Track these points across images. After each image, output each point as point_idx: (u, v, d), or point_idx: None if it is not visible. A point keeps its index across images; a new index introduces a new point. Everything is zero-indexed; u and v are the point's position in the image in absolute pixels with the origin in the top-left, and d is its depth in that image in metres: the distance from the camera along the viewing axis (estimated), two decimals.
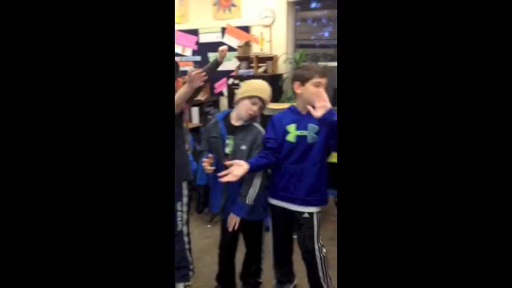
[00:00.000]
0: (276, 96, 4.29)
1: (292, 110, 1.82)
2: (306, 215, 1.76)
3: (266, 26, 4.64)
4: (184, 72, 2.38)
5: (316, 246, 1.76)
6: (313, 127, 1.71)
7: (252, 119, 1.83)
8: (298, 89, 1.73)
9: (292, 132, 1.74)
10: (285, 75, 4.41)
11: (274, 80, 4.34)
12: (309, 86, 1.68)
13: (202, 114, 4.53)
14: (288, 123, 1.76)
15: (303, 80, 1.70)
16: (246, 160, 1.68)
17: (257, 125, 1.89)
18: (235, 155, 1.79)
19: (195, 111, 4.30)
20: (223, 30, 4.85)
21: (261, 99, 1.78)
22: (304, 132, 1.72)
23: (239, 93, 1.86)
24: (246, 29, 4.73)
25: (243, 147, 1.79)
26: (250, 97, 1.79)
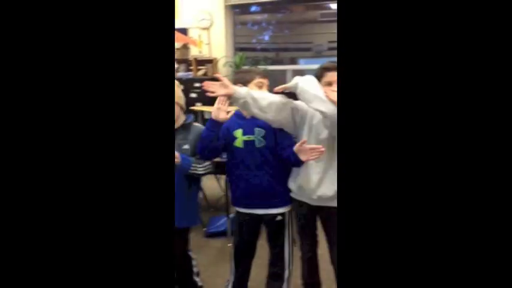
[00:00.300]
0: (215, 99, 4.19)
1: (237, 115, 1.77)
2: (279, 218, 1.73)
3: (204, 29, 4.53)
4: None
5: (287, 243, 1.73)
6: (259, 131, 1.68)
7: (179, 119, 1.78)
8: None
9: (240, 138, 1.71)
10: None
11: None
12: (252, 87, 1.65)
13: None
14: (235, 129, 1.71)
15: (245, 82, 1.68)
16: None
17: (197, 124, 1.81)
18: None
19: None
20: None
21: None
22: (251, 137, 1.69)
23: None
24: (183, 31, 4.58)
25: (186, 146, 1.73)
26: None
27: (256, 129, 1.67)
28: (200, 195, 1.84)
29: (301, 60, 4.59)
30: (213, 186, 3.24)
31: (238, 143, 1.69)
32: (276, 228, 1.76)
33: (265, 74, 1.71)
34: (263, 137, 1.67)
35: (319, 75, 1.61)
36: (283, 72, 4.40)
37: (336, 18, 0.84)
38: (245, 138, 1.69)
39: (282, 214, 1.73)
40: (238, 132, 1.70)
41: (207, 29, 4.51)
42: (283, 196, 1.74)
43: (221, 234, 2.62)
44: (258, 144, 1.68)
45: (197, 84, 4.12)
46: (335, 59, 1.09)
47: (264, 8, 4.45)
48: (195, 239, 1.92)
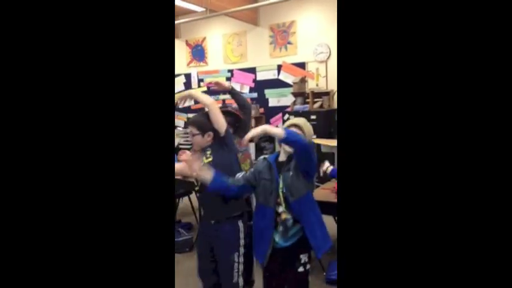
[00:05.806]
0: (332, 132, 4.22)
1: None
2: None
3: (322, 62, 4.66)
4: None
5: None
6: None
7: None
8: None
9: None
10: None
11: (330, 115, 4.29)
12: None
13: (258, 150, 4.56)
14: None
15: None
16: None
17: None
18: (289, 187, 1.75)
19: (251, 146, 4.35)
20: (279, 67, 4.95)
21: (298, 127, 1.77)
22: None
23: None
24: (302, 65, 4.79)
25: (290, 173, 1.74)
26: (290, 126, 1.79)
27: None
28: None
29: None
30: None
31: None
32: None
33: None
34: None
35: None
36: None
37: None
38: None
39: None
40: None
41: (324, 62, 4.64)
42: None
43: None
44: None
45: (313, 117, 4.24)
46: None
47: None
48: (313, 284, 1.87)
